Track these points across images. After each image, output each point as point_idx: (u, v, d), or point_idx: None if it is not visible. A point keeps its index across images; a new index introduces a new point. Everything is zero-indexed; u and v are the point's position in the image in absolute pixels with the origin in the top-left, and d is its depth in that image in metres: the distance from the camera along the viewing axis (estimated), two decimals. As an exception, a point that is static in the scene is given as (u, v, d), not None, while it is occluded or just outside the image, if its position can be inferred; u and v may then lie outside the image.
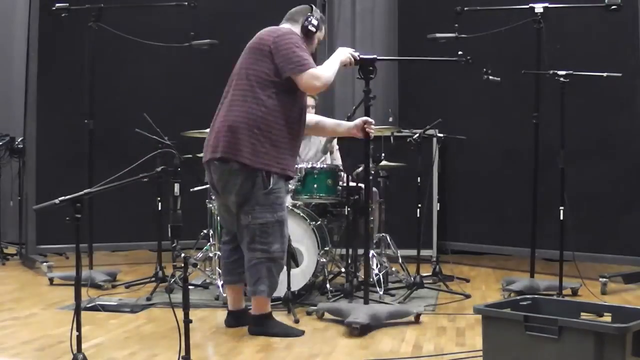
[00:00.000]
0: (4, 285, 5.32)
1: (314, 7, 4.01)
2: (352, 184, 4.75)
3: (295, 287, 4.43)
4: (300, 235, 4.54)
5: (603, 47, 5.59)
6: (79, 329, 2.87)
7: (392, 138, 5.31)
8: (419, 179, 5.25)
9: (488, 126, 6.37)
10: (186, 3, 5.32)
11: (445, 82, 6.62)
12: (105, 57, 5.82)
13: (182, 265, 2.87)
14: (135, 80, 6.55)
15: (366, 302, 4.05)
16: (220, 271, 4.77)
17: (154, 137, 4.87)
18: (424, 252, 5.49)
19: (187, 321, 2.82)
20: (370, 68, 4.01)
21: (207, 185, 4.95)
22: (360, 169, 4.75)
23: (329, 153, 5.41)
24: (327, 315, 4.20)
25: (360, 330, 3.76)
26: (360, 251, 4.44)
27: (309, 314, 4.26)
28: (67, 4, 5.20)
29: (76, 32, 5.43)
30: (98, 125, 5.26)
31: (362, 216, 4.51)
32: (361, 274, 4.37)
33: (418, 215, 5.19)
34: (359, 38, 7.29)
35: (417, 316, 4.12)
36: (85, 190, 2.92)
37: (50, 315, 4.26)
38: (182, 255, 2.92)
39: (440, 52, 6.31)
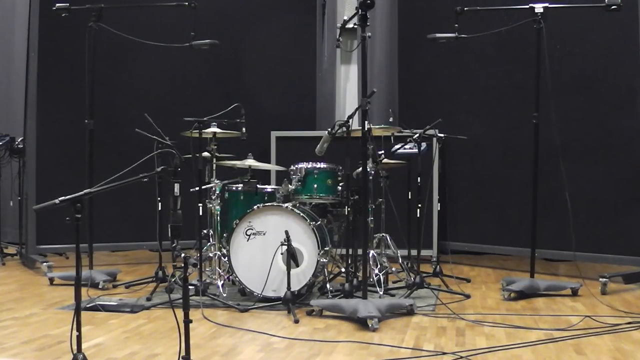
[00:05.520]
0: (4, 285, 5.33)
1: None
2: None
3: (295, 287, 4.44)
4: (300, 235, 4.54)
5: (603, 47, 5.60)
6: (79, 329, 2.87)
7: (392, 138, 5.32)
8: (419, 179, 5.26)
9: (488, 126, 6.37)
10: (186, 3, 5.32)
11: (445, 82, 6.63)
12: (105, 57, 5.82)
13: (182, 265, 2.87)
14: (135, 80, 6.56)
15: (365, 297, 4.11)
16: (220, 271, 4.78)
17: (154, 137, 4.87)
18: (424, 252, 5.50)
19: (187, 321, 2.82)
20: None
21: (207, 185, 4.97)
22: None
23: None
24: (326, 313, 4.21)
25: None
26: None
27: (309, 314, 4.26)
28: (67, 4, 5.21)
29: (76, 32, 5.43)
30: (98, 125, 5.26)
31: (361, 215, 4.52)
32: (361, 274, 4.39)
33: (418, 215, 5.19)
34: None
35: (411, 308, 4.26)
36: (85, 190, 2.92)
37: (50, 315, 4.26)
38: (182, 255, 2.92)
39: (441, 52, 6.35)
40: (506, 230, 6.22)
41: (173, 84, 6.70)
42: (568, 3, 5.13)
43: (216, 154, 4.95)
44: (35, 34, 6.11)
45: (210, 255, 4.97)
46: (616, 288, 5.09)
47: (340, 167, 4.96)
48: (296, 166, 4.97)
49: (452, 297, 4.82)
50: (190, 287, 3.15)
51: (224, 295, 4.63)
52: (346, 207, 4.70)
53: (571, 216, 4.82)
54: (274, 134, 6.69)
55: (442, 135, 5.50)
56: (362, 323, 3.95)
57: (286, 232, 4.41)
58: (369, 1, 4.03)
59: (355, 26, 4.36)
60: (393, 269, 5.22)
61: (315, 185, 4.90)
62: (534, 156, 4.96)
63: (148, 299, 4.63)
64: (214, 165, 4.96)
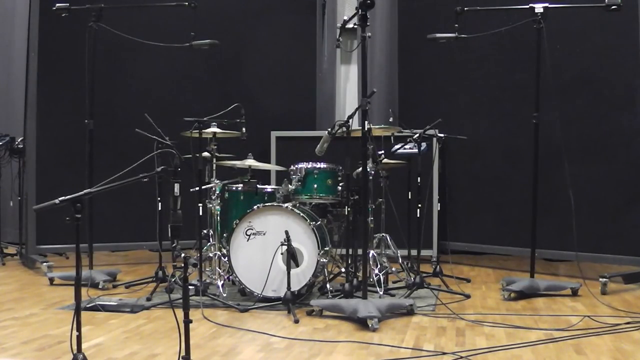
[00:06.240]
0: (4, 285, 5.33)
1: None
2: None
3: (295, 287, 4.44)
4: (300, 235, 4.54)
5: (603, 47, 5.60)
6: (79, 329, 2.87)
7: (392, 138, 5.32)
8: (419, 179, 5.26)
9: (488, 126, 6.37)
10: (186, 3, 5.32)
11: (445, 82, 6.63)
12: (105, 57, 5.82)
13: (182, 265, 2.87)
14: (135, 80, 6.56)
15: (365, 297, 4.12)
16: (220, 271, 4.78)
17: (154, 137, 4.87)
18: (424, 252, 5.50)
19: (187, 321, 2.82)
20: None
21: (207, 185, 4.97)
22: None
23: None
24: (326, 313, 4.21)
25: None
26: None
27: (309, 314, 4.26)
28: (67, 4, 5.21)
29: (76, 32, 5.43)
30: (98, 125, 5.27)
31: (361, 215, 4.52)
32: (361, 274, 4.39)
33: (418, 215, 5.19)
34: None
35: (411, 308, 4.27)
36: (85, 190, 2.92)
37: (50, 315, 4.26)
38: (182, 255, 2.92)
39: (441, 52, 6.35)
40: (506, 230, 6.22)
41: (173, 84, 6.69)
42: (568, 3, 5.13)
43: (216, 154, 4.95)
44: (35, 34, 6.11)
45: (210, 255, 4.97)
46: (616, 288, 5.09)
47: (340, 167, 4.96)
48: (296, 166, 4.97)
49: (452, 297, 4.82)
50: (190, 287, 3.15)
51: (224, 295, 4.63)
52: (346, 207, 4.71)
53: (574, 216, 4.82)
54: (274, 134, 6.69)
55: (442, 135, 5.49)
56: (362, 323, 3.95)
57: (286, 232, 4.41)
58: (369, 1, 4.04)
59: (355, 26, 4.36)
60: (393, 269, 5.22)
61: (315, 185, 4.90)
62: (534, 156, 4.96)
63: (148, 299, 4.63)
64: (214, 165, 4.96)
